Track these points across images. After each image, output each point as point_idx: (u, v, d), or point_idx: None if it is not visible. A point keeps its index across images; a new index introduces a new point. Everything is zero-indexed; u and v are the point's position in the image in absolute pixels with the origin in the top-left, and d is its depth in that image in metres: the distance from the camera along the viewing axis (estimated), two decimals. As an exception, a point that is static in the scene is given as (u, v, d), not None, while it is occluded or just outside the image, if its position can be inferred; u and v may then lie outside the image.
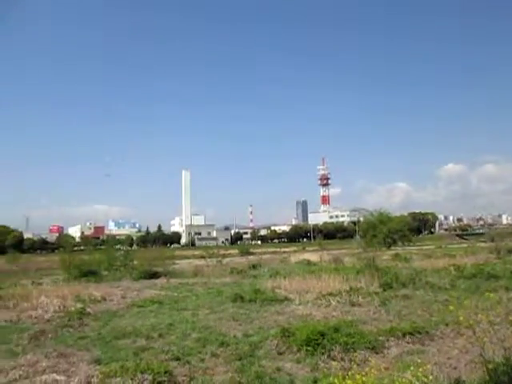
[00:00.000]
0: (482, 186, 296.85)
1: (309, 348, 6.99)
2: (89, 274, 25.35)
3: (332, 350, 6.83)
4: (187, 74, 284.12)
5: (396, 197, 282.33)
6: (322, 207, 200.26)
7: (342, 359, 6.55)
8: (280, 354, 7.25)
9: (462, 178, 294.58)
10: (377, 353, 6.94)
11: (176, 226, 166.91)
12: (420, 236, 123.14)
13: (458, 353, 6.63)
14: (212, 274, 24.28)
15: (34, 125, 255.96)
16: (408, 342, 7.52)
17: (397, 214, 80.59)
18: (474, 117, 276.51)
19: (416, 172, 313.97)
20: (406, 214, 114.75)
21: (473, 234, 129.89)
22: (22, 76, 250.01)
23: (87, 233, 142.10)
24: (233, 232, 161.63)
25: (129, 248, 73.30)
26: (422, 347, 7.30)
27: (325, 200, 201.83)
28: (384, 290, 13.37)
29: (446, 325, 8.45)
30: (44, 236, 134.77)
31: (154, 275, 24.41)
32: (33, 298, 13.72)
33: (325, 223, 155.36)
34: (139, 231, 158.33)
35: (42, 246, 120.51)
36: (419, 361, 5.31)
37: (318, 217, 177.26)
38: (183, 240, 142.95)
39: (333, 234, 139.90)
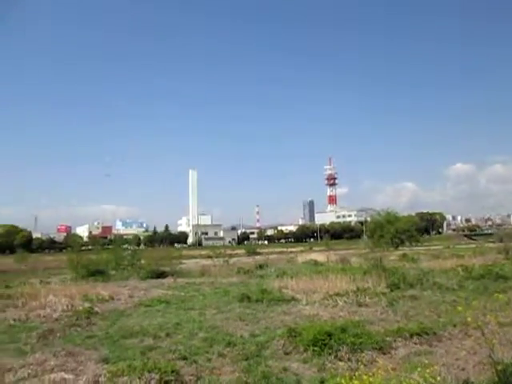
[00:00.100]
0: (491, 186, 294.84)
1: (316, 348, 6.97)
2: (96, 273, 25.50)
3: (339, 350, 6.81)
4: (187, 72, 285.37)
5: (403, 197, 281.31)
6: (329, 207, 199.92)
7: (349, 359, 6.53)
8: (287, 354, 7.24)
9: (470, 177, 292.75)
10: (384, 353, 6.90)
11: (183, 225, 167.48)
12: (428, 236, 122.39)
13: (466, 354, 6.57)
14: (219, 274, 24.30)
15: (36, 125, 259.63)
16: (415, 343, 7.48)
17: (404, 213, 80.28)
18: (482, 117, 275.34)
19: (424, 172, 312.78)
20: (413, 214, 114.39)
21: (481, 235, 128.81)
22: (22, 75, 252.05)
23: (95, 232, 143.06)
24: (239, 232, 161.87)
25: (136, 248, 73.62)
26: (430, 348, 7.25)
27: (332, 200, 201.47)
28: (391, 291, 13.30)
29: (454, 326, 8.40)
30: (52, 236, 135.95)
31: (161, 275, 24.50)
32: (41, 297, 13.80)
33: (332, 223, 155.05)
34: (146, 231, 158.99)
35: (50, 245, 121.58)
36: (427, 362, 5.28)
37: (325, 217, 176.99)
38: (190, 240, 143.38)
39: (340, 234, 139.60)
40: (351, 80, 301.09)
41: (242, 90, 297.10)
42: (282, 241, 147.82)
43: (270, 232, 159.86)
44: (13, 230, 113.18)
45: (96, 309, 12.38)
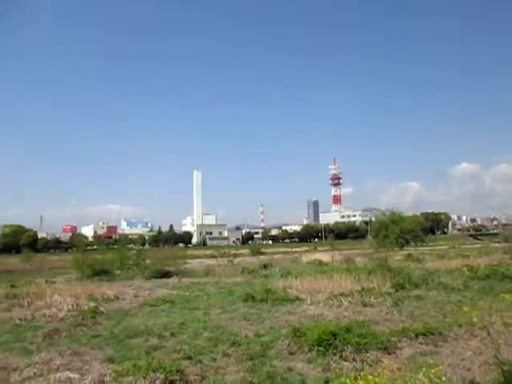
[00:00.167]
0: (496, 185, 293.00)
1: (320, 348, 6.96)
2: (101, 273, 25.63)
3: (344, 350, 6.79)
4: (188, 72, 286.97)
5: (408, 196, 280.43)
6: (334, 207, 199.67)
7: (354, 360, 6.51)
8: (291, 353, 7.23)
9: (475, 177, 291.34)
10: (389, 353, 6.88)
11: (187, 225, 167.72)
12: (433, 236, 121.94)
13: (471, 354, 6.55)
14: (223, 274, 24.33)
15: (41, 124, 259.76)
16: (421, 343, 7.45)
17: (409, 213, 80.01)
18: (487, 116, 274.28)
19: (428, 171, 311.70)
20: (418, 213, 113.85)
21: (487, 235, 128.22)
22: (23, 75, 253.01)
23: (100, 232, 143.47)
24: (244, 232, 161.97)
25: (141, 247, 73.80)
26: (435, 348, 7.22)
27: (336, 200, 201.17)
28: (396, 291, 13.26)
29: (460, 326, 8.36)
30: (57, 235, 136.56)
31: (166, 274, 24.55)
32: (47, 296, 13.87)
33: (336, 223, 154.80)
34: (151, 231, 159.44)
35: (55, 245, 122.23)
36: (432, 362, 5.26)
37: (330, 216, 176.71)
38: (194, 239, 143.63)
39: (344, 233, 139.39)
40: (352, 80, 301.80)
41: (242, 89, 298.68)
42: (287, 241, 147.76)
43: (274, 232, 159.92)
44: (19, 230, 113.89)
45: (101, 308, 12.42)
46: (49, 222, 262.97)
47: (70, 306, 12.45)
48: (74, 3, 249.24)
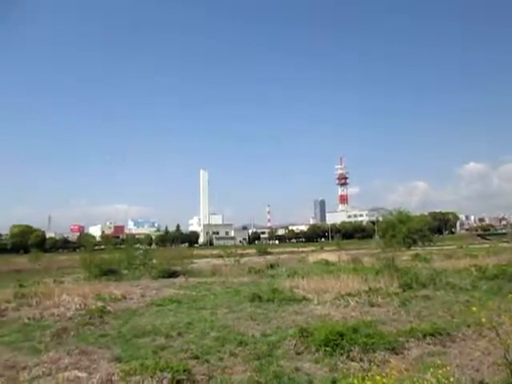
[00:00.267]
0: (505, 185, 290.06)
1: (327, 348, 6.95)
2: (109, 272, 25.73)
3: (351, 350, 6.77)
4: (189, 71, 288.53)
5: (415, 196, 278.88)
6: (340, 207, 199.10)
7: (361, 360, 6.49)
8: (298, 353, 7.22)
9: (483, 177, 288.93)
10: (397, 354, 6.85)
11: (194, 225, 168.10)
12: (441, 236, 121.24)
13: (480, 355, 6.50)
14: (230, 274, 24.34)
15: (41, 125, 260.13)
16: (429, 344, 7.41)
17: (416, 213, 79.49)
18: (495, 115, 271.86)
19: (436, 171, 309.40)
20: (426, 213, 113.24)
21: (495, 234, 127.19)
22: (22, 75, 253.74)
23: (107, 232, 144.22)
24: (250, 232, 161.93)
25: (148, 247, 74.06)
26: (443, 349, 7.18)
27: (343, 199, 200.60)
28: (404, 291, 13.20)
29: (468, 326, 8.30)
30: (65, 235, 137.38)
31: (173, 274, 24.61)
32: (55, 296, 13.96)
33: (343, 223, 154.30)
34: (158, 230, 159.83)
35: (63, 245, 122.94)
36: (440, 362, 5.23)
37: (336, 216, 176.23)
38: (201, 239, 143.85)
39: (351, 233, 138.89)
40: (356, 80, 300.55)
41: (246, 89, 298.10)
42: (293, 240, 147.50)
43: (280, 232, 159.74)
44: (27, 230, 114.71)
45: (109, 308, 12.49)
46: (57, 222, 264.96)
47: (78, 306, 12.54)
48: (75, 2, 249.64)
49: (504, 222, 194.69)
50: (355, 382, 4.16)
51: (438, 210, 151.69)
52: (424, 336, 7.62)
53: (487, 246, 54.54)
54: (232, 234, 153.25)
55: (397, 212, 61.78)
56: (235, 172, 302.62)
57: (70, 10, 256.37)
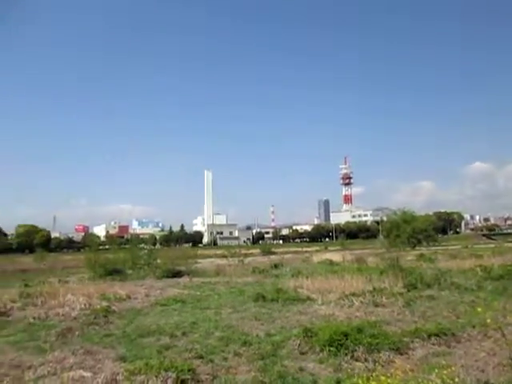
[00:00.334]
0: (510, 184, 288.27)
1: (332, 348, 6.93)
2: (113, 272, 25.81)
3: (355, 350, 6.75)
4: (191, 71, 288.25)
5: (420, 196, 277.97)
6: (345, 206, 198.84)
7: (366, 360, 6.48)
8: (302, 353, 7.22)
9: (488, 176, 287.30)
10: (401, 354, 6.82)
11: (198, 225, 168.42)
12: (445, 236, 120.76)
13: (485, 355, 6.47)
14: (234, 274, 24.35)
15: (44, 124, 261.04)
16: (433, 344, 7.38)
17: (421, 213, 79.25)
18: (500, 115, 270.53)
19: (441, 171, 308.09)
20: (430, 213, 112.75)
21: (500, 234, 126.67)
22: (23, 75, 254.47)
23: (112, 232, 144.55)
24: (254, 231, 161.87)
25: (152, 247, 74.23)
26: (448, 349, 7.15)
27: (347, 199, 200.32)
28: (408, 291, 13.16)
29: (473, 327, 8.25)
30: (70, 235, 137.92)
31: (177, 274, 24.65)
32: (60, 295, 14.01)
33: (347, 223, 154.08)
34: (162, 230, 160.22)
35: (68, 245, 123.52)
36: (445, 363, 5.22)
37: (340, 216, 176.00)
38: (205, 239, 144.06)
39: (355, 233, 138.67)
40: (356, 80, 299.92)
41: (247, 89, 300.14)
42: (297, 240, 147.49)
43: (285, 232, 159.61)
44: (32, 230, 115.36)
45: (113, 308, 12.52)
46: (62, 222, 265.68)
47: (83, 305, 12.58)
48: (75, 2, 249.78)
49: (509, 222, 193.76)
50: (360, 382, 4.15)
51: (443, 210, 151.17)
52: (429, 336, 7.59)
53: (492, 245, 54.27)
54: (236, 233, 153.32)
55: (401, 212, 61.64)
56: (239, 172, 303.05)
57: (69, 10, 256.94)
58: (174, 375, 5.75)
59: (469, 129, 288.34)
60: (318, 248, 79.13)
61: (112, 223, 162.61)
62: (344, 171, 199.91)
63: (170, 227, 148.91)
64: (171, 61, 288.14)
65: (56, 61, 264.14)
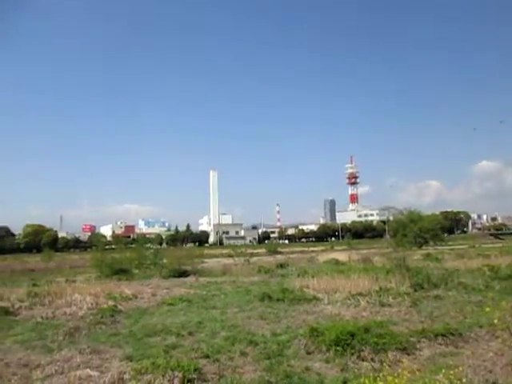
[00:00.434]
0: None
1: (338, 348, 6.92)
2: (120, 272, 25.94)
3: (362, 350, 6.74)
4: (191, 71, 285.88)
5: (427, 195, 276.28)
6: (351, 206, 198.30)
7: (373, 360, 6.46)
8: (309, 353, 7.21)
9: (496, 175, 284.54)
10: (408, 354, 6.80)
11: (204, 225, 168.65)
12: (452, 235, 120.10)
13: (493, 355, 6.42)
14: (240, 273, 24.38)
15: (46, 124, 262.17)
16: (441, 344, 7.34)
17: (428, 212, 78.75)
18: (508, 112, 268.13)
19: (448, 170, 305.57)
20: (437, 212, 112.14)
21: (508, 234, 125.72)
22: (24, 74, 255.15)
23: (118, 232, 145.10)
24: (260, 231, 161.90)
25: (158, 247, 74.43)
26: (456, 349, 7.11)
27: (353, 199, 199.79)
28: (415, 291, 13.10)
29: (481, 327, 8.22)
30: (77, 235, 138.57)
31: (183, 274, 24.73)
32: (67, 295, 14.10)
33: (353, 222, 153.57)
34: (168, 230, 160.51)
35: (75, 244, 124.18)
36: (452, 363, 5.19)
37: (346, 216, 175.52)
38: (211, 239, 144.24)
39: (361, 233, 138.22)
40: (363, 79, 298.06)
41: (253, 89, 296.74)
42: (303, 240, 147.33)
43: (290, 231, 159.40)
44: (40, 230, 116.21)
45: (120, 307, 12.58)
46: (68, 222, 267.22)
47: (90, 305, 12.65)
48: (75, 1, 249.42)
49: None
50: (366, 382, 4.14)
51: (449, 210, 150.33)
52: (436, 336, 7.55)
53: (500, 245, 53.95)
54: (242, 233, 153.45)
55: (408, 211, 61.36)
56: (245, 172, 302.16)
57: (70, 8, 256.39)
58: (180, 374, 5.76)
59: (475, 127, 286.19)
60: (323, 248, 78.93)
61: (118, 223, 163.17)
62: (350, 170, 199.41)
63: (176, 227, 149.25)
64: (174, 57, 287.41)
65: (56, 60, 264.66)
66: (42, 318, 11.36)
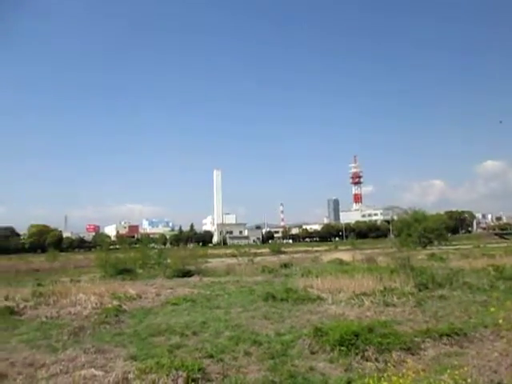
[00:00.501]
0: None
1: (342, 348, 6.91)
2: (124, 272, 25.99)
3: (366, 350, 6.72)
4: (193, 71, 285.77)
5: (431, 195, 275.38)
6: (355, 206, 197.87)
7: (377, 360, 6.45)
8: (313, 353, 7.20)
9: (501, 175, 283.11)
10: (413, 354, 6.78)
11: (208, 225, 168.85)
12: (457, 235, 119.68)
13: (498, 356, 6.39)
14: (244, 273, 24.38)
15: (47, 126, 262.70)
16: (445, 344, 7.31)
17: (432, 212, 78.55)
18: (508, 112, 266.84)
19: (452, 169, 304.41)
20: (442, 212, 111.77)
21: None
22: (24, 74, 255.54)
23: (122, 232, 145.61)
24: (264, 231, 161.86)
25: (162, 247, 74.64)
26: (460, 349, 7.08)
27: (357, 198, 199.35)
28: (419, 291, 13.06)
29: (486, 327, 8.18)
30: (81, 235, 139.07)
31: (187, 273, 24.75)
32: (71, 295, 14.14)
33: (357, 222, 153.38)
34: (172, 230, 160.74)
35: (79, 244, 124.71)
36: (457, 363, 5.17)
37: (350, 215, 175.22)
38: (215, 239, 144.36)
39: (365, 233, 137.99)
40: (366, 80, 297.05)
41: (255, 89, 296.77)
42: (307, 240, 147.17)
43: (294, 231, 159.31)
44: (44, 230, 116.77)
45: (124, 307, 12.62)
46: (73, 222, 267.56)
47: (94, 305, 12.68)
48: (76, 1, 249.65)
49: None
50: (371, 382, 4.13)
51: (454, 209, 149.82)
52: (440, 336, 7.52)
53: (505, 245, 53.66)
54: (246, 233, 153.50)
55: (412, 211, 61.19)
56: (249, 171, 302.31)
57: (70, 8, 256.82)
58: (184, 374, 5.77)
59: (480, 126, 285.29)
60: (327, 247, 78.80)
61: (122, 223, 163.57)
62: (354, 170, 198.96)
63: (180, 227, 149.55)
64: (174, 57, 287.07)
65: (56, 60, 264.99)
66: (46, 317, 11.40)
